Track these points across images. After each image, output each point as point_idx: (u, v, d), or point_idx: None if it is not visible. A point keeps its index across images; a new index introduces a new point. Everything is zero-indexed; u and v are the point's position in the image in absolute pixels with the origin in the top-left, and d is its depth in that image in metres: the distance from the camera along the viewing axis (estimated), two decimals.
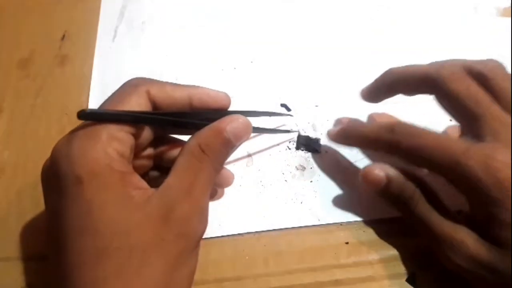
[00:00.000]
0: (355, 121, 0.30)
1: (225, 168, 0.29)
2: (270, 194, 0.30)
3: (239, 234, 0.29)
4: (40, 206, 0.30)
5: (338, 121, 0.34)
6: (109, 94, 0.33)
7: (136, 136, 0.23)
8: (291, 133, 0.33)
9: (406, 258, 0.28)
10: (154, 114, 0.23)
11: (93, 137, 0.21)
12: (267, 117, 0.31)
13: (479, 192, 0.23)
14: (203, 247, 0.28)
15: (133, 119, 0.22)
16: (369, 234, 0.29)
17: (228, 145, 0.23)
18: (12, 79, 0.36)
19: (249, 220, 0.29)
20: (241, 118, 0.24)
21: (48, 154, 0.22)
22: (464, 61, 0.27)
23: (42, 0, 0.41)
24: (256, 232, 0.29)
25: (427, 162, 0.25)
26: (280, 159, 0.32)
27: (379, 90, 0.30)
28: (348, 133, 0.29)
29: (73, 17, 0.40)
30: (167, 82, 0.24)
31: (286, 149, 0.32)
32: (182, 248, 0.21)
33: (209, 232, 0.28)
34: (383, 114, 0.34)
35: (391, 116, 0.34)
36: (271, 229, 0.29)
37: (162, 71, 0.37)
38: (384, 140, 0.26)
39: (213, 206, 0.30)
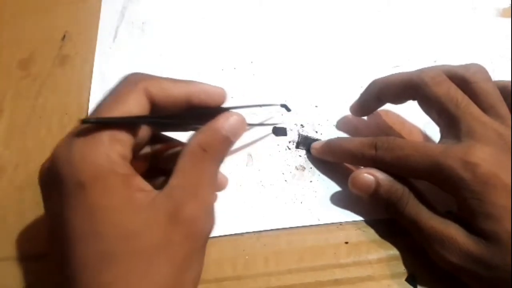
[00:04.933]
0: (337, 138, 0.31)
1: (220, 172, 0.29)
2: (270, 194, 0.30)
3: (239, 234, 0.29)
4: (41, 206, 0.29)
5: (343, 119, 0.34)
6: None
7: (134, 135, 0.23)
8: (290, 132, 0.33)
9: (406, 257, 0.28)
10: (153, 118, 0.23)
11: (94, 140, 0.20)
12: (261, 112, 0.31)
13: (461, 189, 0.24)
14: None
15: (133, 121, 0.22)
16: (369, 234, 0.29)
17: (227, 142, 0.23)
18: (13, 79, 0.36)
19: (249, 220, 0.29)
20: (235, 114, 0.24)
21: (49, 154, 0.22)
22: (446, 66, 0.28)
23: (42, 0, 0.41)
24: (256, 232, 0.29)
25: (411, 171, 0.26)
26: (280, 159, 0.32)
27: (367, 102, 0.32)
28: (332, 149, 0.30)
29: (74, 18, 0.40)
30: (165, 78, 0.24)
31: (286, 149, 0.32)
32: (189, 249, 0.21)
33: None
34: (386, 112, 0.34)
35: (391, 114, 0.34)
36: (271, 229, 0.29)
37: (162, 71, 0.36)
38: (368, 157, 0.27)
39: None
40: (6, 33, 0.39)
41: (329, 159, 0.31)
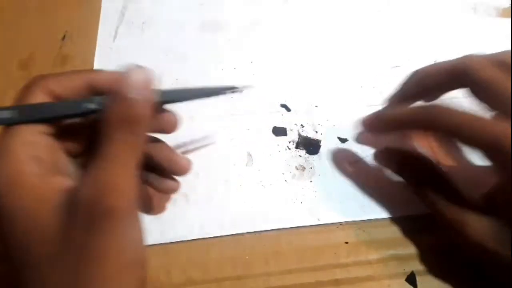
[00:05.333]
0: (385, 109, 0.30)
1: (179, 154, 0.26)
2: (270, 194, 0.30)
3: (239, 234, 0.29)
4: None
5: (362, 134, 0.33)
6: None
7: (56, 135, 0.22)
8: (290, 132, 0.33)
9: (406, 257, 0.28)
10: (31, 105, 0.22)
11: (1, 149, 0.20)
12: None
13: None
14: (203, 247, 0.28)
15: (30, 116, 0.21)
16: (369, 234, 0.29)
17: (129, 103, 0.20)
18: (13, 79, 0.36)
19: (249, 220, 0.29)
20: (132, 71, 0.22)
21: None
22: (485, 54, 0.27)
23: (42, 0, 0.41)
24: (256, 232, 0.29)
25: (466, 139, 0.25)
26: (280, 159, 0.32)
27: (408, 93, 0.30)
28: (385, 117, 0.29)
29: (74, 17, 0.40)
30: (65, 72, 0.23)
31: (286, 149, 0.33)
32: (97, 239, 0.19)
33: (209, 232, 0.29)
34: None
35: None
36: (271, 229, 0.29)
37: (162, 71, 0.37)
38: (422, 118, 0.26)
39: (213, 205, 0.30)
40: (6, 33, 0.39)
41: (378, 131, 0.30)
